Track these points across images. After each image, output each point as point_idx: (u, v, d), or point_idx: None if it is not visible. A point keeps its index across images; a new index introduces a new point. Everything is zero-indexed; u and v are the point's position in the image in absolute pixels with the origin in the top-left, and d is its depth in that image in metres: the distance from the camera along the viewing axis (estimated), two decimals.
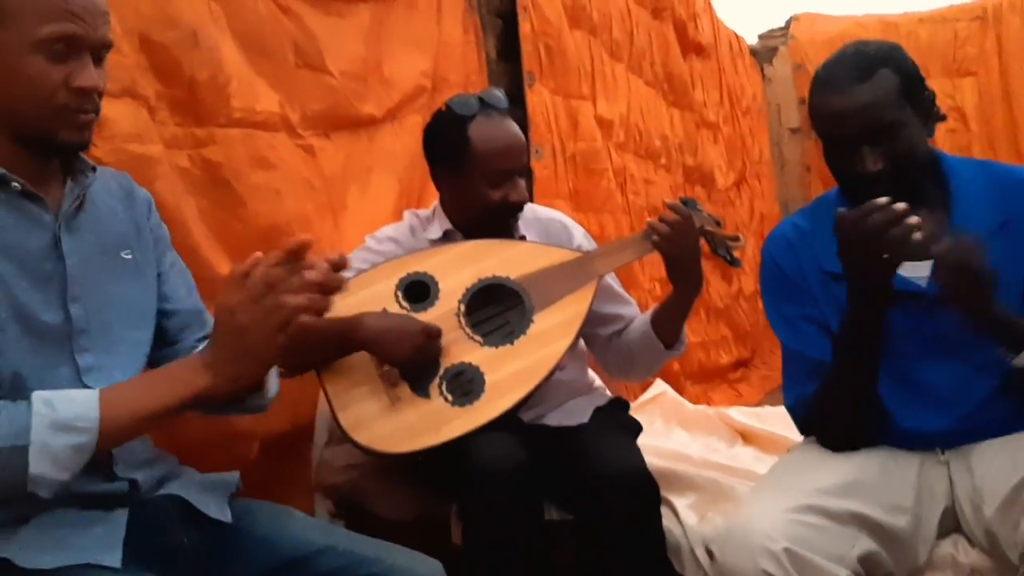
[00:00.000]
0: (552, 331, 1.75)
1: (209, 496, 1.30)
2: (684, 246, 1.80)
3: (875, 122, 1.51)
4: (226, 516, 1.29)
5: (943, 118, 1.67)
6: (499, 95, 1.94)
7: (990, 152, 6.23)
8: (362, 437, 1.62)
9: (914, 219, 1.37)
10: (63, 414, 1.07)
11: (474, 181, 1.85)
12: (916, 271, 1.52)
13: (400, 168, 2.56)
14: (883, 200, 1.38)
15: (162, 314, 1.38)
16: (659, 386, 2.73)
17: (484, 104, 1.90)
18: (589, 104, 3.62)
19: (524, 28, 3.19)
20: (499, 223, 1.89)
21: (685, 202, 1.88)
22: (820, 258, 1.63)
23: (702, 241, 1.90)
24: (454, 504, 1.84)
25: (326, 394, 1.68)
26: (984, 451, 1.53)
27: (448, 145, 1.88)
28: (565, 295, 1.79)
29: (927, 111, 1.60)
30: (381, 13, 2.55)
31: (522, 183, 1.88)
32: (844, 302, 1.53)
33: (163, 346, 1.39)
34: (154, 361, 1.36)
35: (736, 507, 1.60)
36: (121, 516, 1.18)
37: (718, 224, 1.96)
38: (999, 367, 1.49)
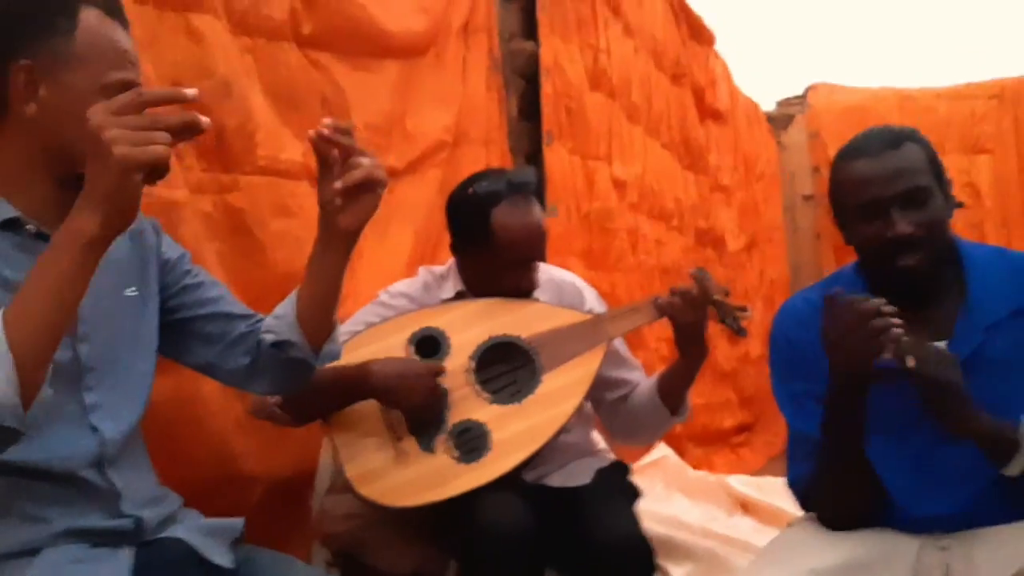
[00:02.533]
0: (560, 392, 1.78)
1: (213, 541, 1.31)
2: (694, 315, 1.83)
3: (908, 184, 1.53)
4: (229, 563, 1.31)
5: (960, 204, 1.70)
6: (528, 177, 1.95)
7: (1003, 230, 6.26)
8: (368, 490, 1.64)
9: (898, 320, 1.39)
10: None
11: (492, 262, 1.89)
12: None
13: (417, 220, 2.60)
14: (876, 301, 1.40)
15: (204, 319, 1.41)
16: (662, 449, 2.75)
17: (511, 187, 1.90)
18: (605, 165, 3.67)
19: (546, 89, 3.25)
20: (512, 295, 1.92)
21: (695, 272, 1.91)
22: None
23: (710, 310, 1.93)
24: (452, 561, 1.85)
25: (333, 445, 1.70)
26: (987, 538, 1.54)
27: (471, 226, 1.92)
28: (574, 356, 1.82)
29: (947, 193, 1.63)
30: (409, 69, 2.62)
31: (535, 272, 1.92)
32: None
33: (213, 343, 1.41)
34: (206, 366, 1.41)
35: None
36: (127, 555, 1.20)
37: (726, 294, 1.99)
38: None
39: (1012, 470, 1.46)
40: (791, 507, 1.98)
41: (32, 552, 1.15)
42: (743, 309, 1.96)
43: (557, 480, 1.90)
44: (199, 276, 1.47)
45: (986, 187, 6.40)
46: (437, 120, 2.73)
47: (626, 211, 3.83)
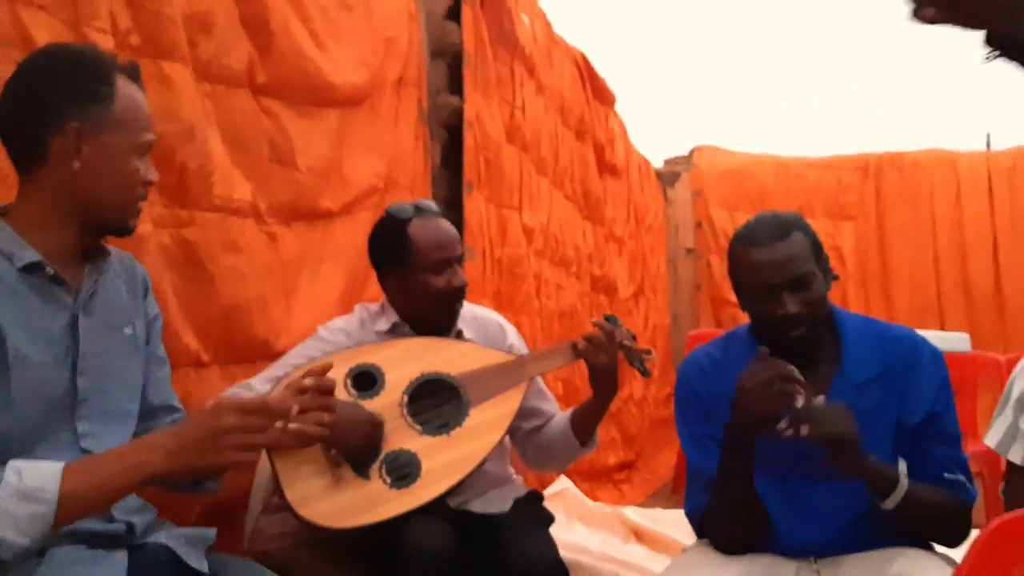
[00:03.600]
0: (485, 425, 1.97)
1: (191, 548, 1.46)
2: (606, 357, 2.06)
3: (795, 272, 1.80)
4: (205, 568, 1.45)
5: (836, 278, 1.99)
6: (431, 203, 2.23)
7: (862, 290, 6.80)
8: (306, 512, 1.78)
9: (801, 390, 1.65)
10: (28, 483, 1.20)
11: (418, 273, 2.10)
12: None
13: (348, 259, 2.77)
14: (791, 369, 1.66)
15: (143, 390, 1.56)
16: (563, 482, 2.97)
17: (419, 209, 2.18)
18: (517, 213, 3.92)
19: (468, 141, 3.47)
20: (444, 311, 2.12)
21: (608, 319, 2.15)
22: (728, 385, 1.90)
23: (620, 353, 2.17)
24: None
25: (274, 469, 1.83)
26: (852, 563, 1.81)
27: (392, 245, 2.14)
28: (498, 393, 2.02)
29: (826, 271, 1.92)
30: (347, 117, 2.79)
31: (460, 270, 2.14)
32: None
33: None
34: None
35: None
36: (122, 558, 1.33)
37: (633, 338, 2.23)
38: (867, 493, 1.78)
39: (890, 504, 1.73)
40: (679, 536, 2.25)
41: (40, 552, 1.27)
42: (648, 352, 2.21)
43: (478, 507, 2.09)
44: (159, 349, 1.63)
45: (849, 251, 6.95)
46: (370, 166, 2.91)
47: (532, 257, 4.07)
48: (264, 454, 1.91)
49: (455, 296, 2.13)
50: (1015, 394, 1.83)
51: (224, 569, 1.49)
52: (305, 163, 2.57)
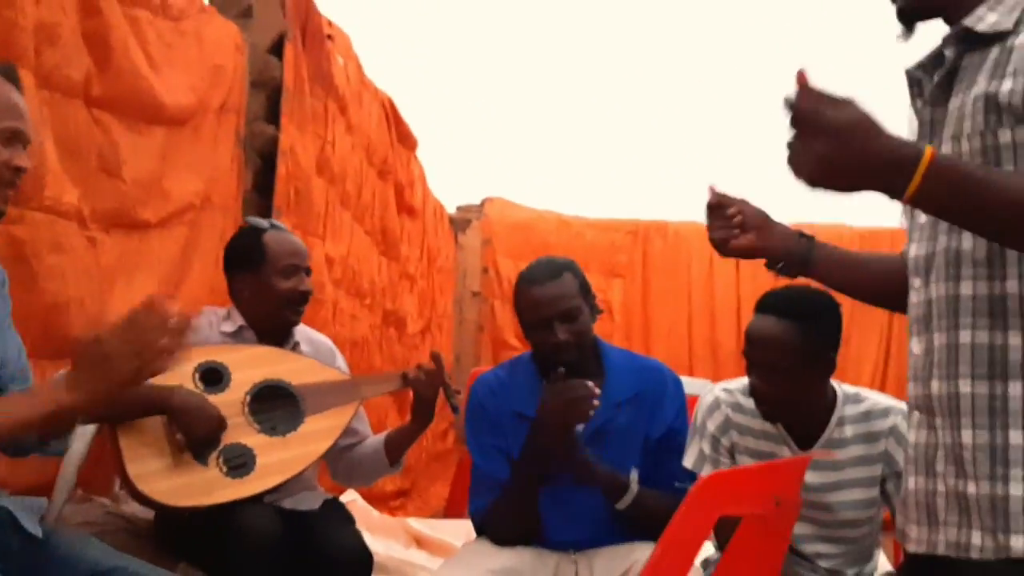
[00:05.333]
0: (317, 433, 2.20)
1: (26, 513, 1.58)
2: (432, 389, 2.35)
3: (565, 306, 2.17)
4: (38, 532, 1.58)
5: (601, 312, 2.38)
6: (283, 225, 2.50)
7: (627, 343, 7.44)
8: (144, 487, 1.94)
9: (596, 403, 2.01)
10: None
11: (269, 276, 2.32)
12: None
13: (163, 271, 2.89)
14: (586, 388, 2.01)
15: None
16: (352, 494, 3.19)
17: (274, 224, 2.47)
18: (320, 242, 4.12)
19: (280, 170, 3.66)
20: (289, 313, 2.35)
21: (434, 356, 2.43)
22: (513, 402, 2.23)
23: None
24: (181, 564, 2.18)
25: (118, 446, 1.97)
26: (604, 554, 2.17)
27: (248, 250, 2.37)
28: (332, 407, 2.25)
29: (592, 307, 2.30)
30: (172, 135, 2.93)
31: (307, 279, 2.36)
32: (525, 437, 2.13)
33: None
34: None
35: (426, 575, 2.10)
36: None
37: (449, 377, 2.54)
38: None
39: (621, 505, 2.11)
40: (458, 543, 2.52)
41: None
42: (458, 392, 2.51)
43: (289, 504, 2.30)
44: (11, 327, 1.75)
45: (617, 306, 7.60)
46: (189, 184, 3.05)
47: (331, 286, 4.28)
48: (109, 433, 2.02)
49: (300, 299, 2.36)
50: (697, 423, 2.24)
51: (56, 536, 1.62)
52: (130, 175, 2.68)
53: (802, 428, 2.11)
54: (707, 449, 2.19)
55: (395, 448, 2.46)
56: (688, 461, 2.19)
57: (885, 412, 2.08)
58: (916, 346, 1.32)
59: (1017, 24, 1.23)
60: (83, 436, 2.41)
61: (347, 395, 2.31)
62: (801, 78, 1.17)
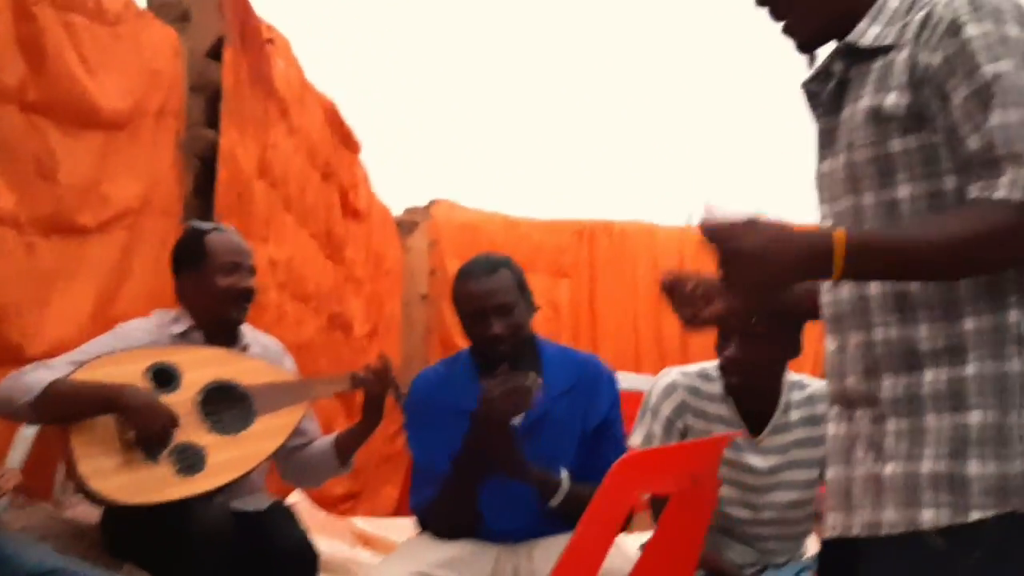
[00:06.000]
0: (267, 432, 2.22)
1: None
2: (381, 389, 2.38)
3: (500, 300, 2.21)
4: None
5: (537, 308, 2.43)
6: (225, 226, 2.54)
7: (574, 340, 7.51)
8: (96, 484, 1.95)
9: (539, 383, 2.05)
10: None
11: (211, 274, 2.34)
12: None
13: (102, 274, 2.89)
14: (526, 378, 2.05)
15: None
16: (298, 495, 3.20)
17: (217, 227, 2.49)
18: (264, 246, 4.13)
19: (222, 174, 3.67)
20: (233, 309, 2.37)
21: (382, 358, 2.45)
22: (452, 397, 2.26)
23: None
24: (126, 564, 2.20)
25: (69, 444, 1.98)
26: (541, 545, 2.22)
27: (190, 250, 2.39)
28: (282, 407, 2.28)
29: (528, 303, 2.35)
30: (110, 139, 2.94)
31: (251, 278, 2.39)
32: (466, 431, 2.17)
33: None
34: None
35: (369, 569, 2.14)
36: None
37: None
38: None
39: (555, 502, 2.16)
40: (403, 540, 2.55)
41: None
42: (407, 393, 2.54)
43: (238, 505, 2.31)
44: None
45: (564, 306, 7.67)
46: (128, 188, 3.05)
47: (275, 289, 4.29)
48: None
49: (242, 296, 2.39)
50: (651, 404, 2.33)
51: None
52: (67, 180, 2.69)
53: (755, 407, 2.22)
54: (658, 430, 2.27)
55: (345, 448, 2.49)
56: (635, 440, 2.26)
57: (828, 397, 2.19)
58: (831, 344, 1.38)
59: (900, 37, 1.29)
60: (23, 442, 2.41)
61: (297, 395, 2.33)
62: (708, 214, 1.26)
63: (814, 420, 2.20)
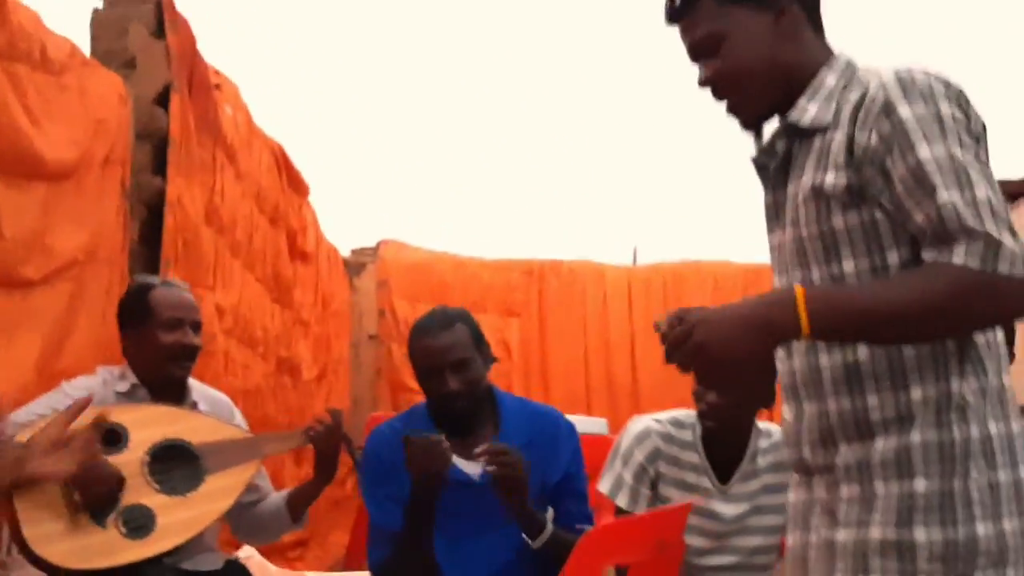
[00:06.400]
0: (218, 492, 2.17)
1: None
2: (334, 444, 2.34)
3: (456, 356, 2.21)
4: None
5: (495, 360, 2.43)
6: (174, 280, 2.51)
7: (525, 380, 7.52)
8: (42, 550, 1.89)
9: (446, 444, 2.05)
10: None
11: (154, 330, 2.30)
12: (470, 468, 2.21)
13: (46, 327, 2.82)
14: (436, 437, 2.06)
15: None
16: (248, 549, 3.13)
17: (165, 281, 2.47)
18: (211, 293, 4.07)
19: (168, 221, 3.61)
20: (176, 367, 2.32)
21: (332, 413, 2.42)
22: None
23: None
24: None
25: (13, 508, 1.91)
26: None
27: (134, 305, 2.36)
28: (233, 466, 2.23)
29: (486, 356, 2.35)
30: (54, 190, 2.87)
31: (194, 335, 2.35)
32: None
33: None
34: None
35: None
36: None
37: (352, 431, 2.54)
38: (519, 541, 2.19)
39: (538, 543, 2.15)
40: None
41: None
42: (361, 448, 2.51)
43: (189, 566, 2.26)
44: None
45: (515, 345, 7.67)
46: (73, 239, 2.99)
47: (222, 336, 4.22)
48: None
49: (184, 353, 2.34)
50: (622, 449, 2.35)
51: None
52: (10, 232, 2.62)
53: (724, 455, 2.29)
54: (628, 477, 2.28)
55: (297, 505, 2.45)
56: (604, 486, 2.27)
57: None
58: (787, 413, 1.42)
59: (836, 115, 1.34)
60: None
61: (248, 453, 2.29)
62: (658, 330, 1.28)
63: (781, 466, 2.25)
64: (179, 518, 2.09)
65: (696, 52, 1.43)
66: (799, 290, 1.23)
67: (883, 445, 1.28)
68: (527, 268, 7.86)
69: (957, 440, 1.25)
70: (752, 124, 1.45)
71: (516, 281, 7.78)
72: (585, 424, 5.07)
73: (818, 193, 1.32)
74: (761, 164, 1.48)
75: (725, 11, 1.39)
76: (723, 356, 1.21)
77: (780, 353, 1.41)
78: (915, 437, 1.26)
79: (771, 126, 1.47)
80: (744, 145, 1.48)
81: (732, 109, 1.44)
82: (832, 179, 1.30)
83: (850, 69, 1.38)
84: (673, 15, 1.44)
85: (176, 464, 2.19)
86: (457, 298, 7.41)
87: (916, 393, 1.27)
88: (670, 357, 1.27)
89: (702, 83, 1.43)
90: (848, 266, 1.30)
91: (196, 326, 2.41)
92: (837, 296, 1.27)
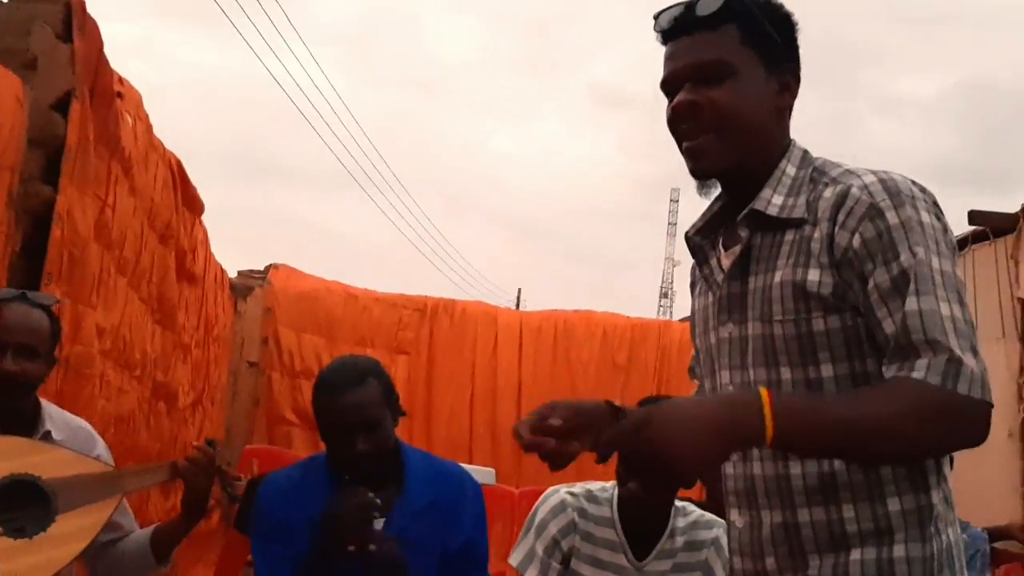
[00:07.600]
0: (72, 533, 1.98)
1: None
2: (205, 479, 2.18)
3: (366, 415, 2.11)
4: None
5: (404, 414, 2.34)
6: (37, 295, 2.25)
7: (407, 421, 7.38)
8: None
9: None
10: None
11: None
12: None
13: None
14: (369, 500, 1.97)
15: None
16: None
17: (25, 295, 2.18)
18: (92, 311, 3.84)
19: (55, 234, 3.39)
20: (8, 398, 2.09)
21: (209, 443, 2.28)
22: (305, 507, 2.13)
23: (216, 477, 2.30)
24: None
25: None
26: None
27: None
28: (89, 503, 2.04)
29: (395, 410, 2.26)
30: None
31: (16, 361, 2.07)
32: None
33: None
34: None
35: None
36: None
37: (228, 464, 2.39)
38: None
39: None
40: None
41: None
42: (238, 479, 2.37)
43: None
44: None
45: (401, 383, 7.54)
46: None
47: (99, 357, 3.98)
48: None
49: (20, 387, 2.11)
50: (536, 521, 2.31)
51: None
52: None
53: (641, 531, 2.27)
54: (540, 550, 2.24)
55: (163, 544, 2.25)
56: (515, 559, 2.22)
57: (709, 524, 2.30)
58: (738, 520, 1.36)
59: (811, 211, 1.29)
60: None
61: (107, 489, 2.09)
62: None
63: (695, 545, 2.27)
64: (25, 564, 1.89)
65: (692, 73, 1.32)
66: (764, 394, 1.15)
67: (860, 556, 1.24)
68: (420, 305, 7.78)
69: (935, 552, 1.24)
70: (709, 173, 1.37)
71: (408, 318, 7.69)
72: (473, 474, 5.01)
73: (799, 291, 1.26)
74: (699, 244, 1.45)
75: (744, 52, 1.32)
76: (682, 455, 1.11)
77: (733, 456, 1.34)
78: (899, 551, 1.23)
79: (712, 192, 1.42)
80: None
81: (702, 147, 1.33)
82: (816, 279, 1.25)
83: (807, 161, 1.35)
84: (685, 26, 1.33)
85: (24, 503, 1.98)
86: (346, 332, 7.26)
87: (894, 505, 1.24)
88: (604, 453, 1.21)
89: (682, 106, 1.32)
90: (826, 371, 1.26)
91: (24, 350, 2.12)
92: (804, 407, 1.19)
